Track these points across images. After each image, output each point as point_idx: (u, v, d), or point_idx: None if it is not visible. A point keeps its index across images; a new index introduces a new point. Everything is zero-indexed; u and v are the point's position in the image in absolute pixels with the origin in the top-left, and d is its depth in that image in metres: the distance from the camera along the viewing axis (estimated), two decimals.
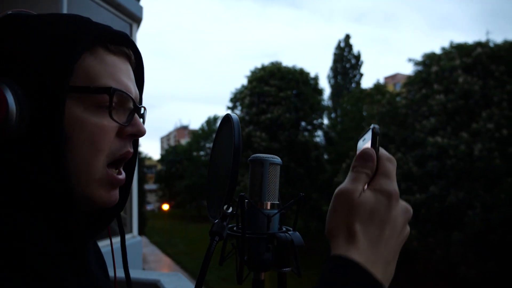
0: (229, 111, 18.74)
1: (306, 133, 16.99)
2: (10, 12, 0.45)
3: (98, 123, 0.44)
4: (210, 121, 28.76)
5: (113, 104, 0.45)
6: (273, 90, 16.29)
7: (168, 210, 25.69)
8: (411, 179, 11.87)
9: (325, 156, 17.80)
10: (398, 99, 14.42)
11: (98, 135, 0.44)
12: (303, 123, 17.33)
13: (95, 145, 0.44)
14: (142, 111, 0.52)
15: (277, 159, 0.57)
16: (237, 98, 17.64)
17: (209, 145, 28.04)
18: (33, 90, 0.41)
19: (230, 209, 0.48)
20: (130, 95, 0.48)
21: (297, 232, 0.55)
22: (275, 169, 0.56)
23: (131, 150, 0.49)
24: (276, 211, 0.56)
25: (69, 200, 0.42)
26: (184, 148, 28.17)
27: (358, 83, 24.50)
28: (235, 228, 0.56)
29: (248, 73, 17.74)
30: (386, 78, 28.73)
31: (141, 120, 0.52)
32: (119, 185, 0.48)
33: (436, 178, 11.39)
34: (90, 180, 0.44)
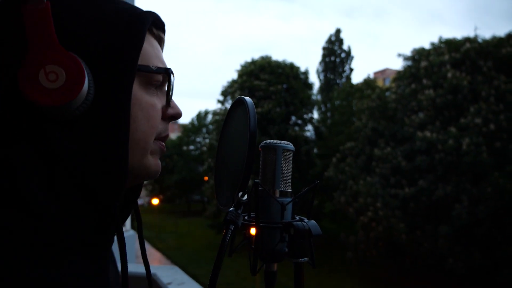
0: (219, 105, 18.95)
1: (296, 128, 17.09)
2: None
3: (151, 101, 0.46)
4: (201, 115, 28.50)
5: (158, 83, 0.47)
6: (263, 84, 16.30)
7: (158, 204, 25.37)
8: (400, 173, 12.05)
9: (315, 151, 17.96)
10: (387, 94, 14.58)
11: (152, 112, 0.45)
12: (293, 118, 17.40)
13: (150, 122, 0.45)
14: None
15: (290, 145, 0.56)
16: (228, 92, 17.63)
17: (199, 139, 27.87)
18: (101, 69, 0.40)
19: (245, 197, 0.46)
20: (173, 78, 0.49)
21: (314, 221, 0.53)
22: (288, 156, 0.55)
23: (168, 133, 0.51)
24: (290, 199, 0.54)
25: (124, 179, 0.40)
26: (174, 143, 27.53)
27: (348, 78, 24.63)
28: (246, 217, 0.54)
29: (239, 67, 17.65)
30: (376, 73, 28.97)
31: None
32: (163, 154, 0.50)
33: (424, 173, 11.57)
34: (146, 153, 0.46)
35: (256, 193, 0.51)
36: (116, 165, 0.40)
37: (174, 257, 15.19)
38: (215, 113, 18.93)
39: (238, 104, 0.53)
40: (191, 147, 28.38)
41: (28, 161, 0.36)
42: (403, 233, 11.58)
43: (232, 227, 0.45)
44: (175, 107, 0.50)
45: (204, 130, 27.93)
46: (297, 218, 0.56)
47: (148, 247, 17.57)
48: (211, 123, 21.32)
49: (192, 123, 28.60)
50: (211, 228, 17.28)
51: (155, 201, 23.80)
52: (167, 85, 0.49)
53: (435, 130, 11.63)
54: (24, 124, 0.37)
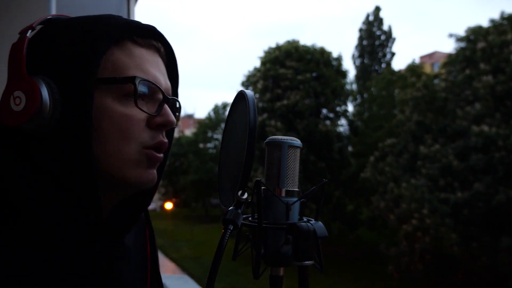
0: None
1: (327, 122, 16.95)
2: (50, 17, 0.54)
3: (125, 112, 0.51)
4: (218, 109, 28.71)
5: (141, 94, 0.52)
6: (290, 72, 16.26)
7: (172, 209, 26.10)
8: (451, 175, 11.66)
9: (350, 148, 17.77)
10: (436, 81, 14.21)
11: (125, 124, 0.51)
12: (324, 111, 17.29)
13: (123, 133, 0.51)
14: (177, 105, 0.60)
15: (296, 141, 0.58)
16: (249, 82, 17.73)
17: (217, 136, 28.05)
18: (65, 84, 0.48)
19: (245, 195, 0.50)
20: (158, 85, 0.54)
21: (320, 222, 0.55)
22: (294, 153, 0.57)
23: (165, 140, 0.56)
24: (295, 199, 0.57)
25: (95, 189, 0.49)
26: (189, 140, 28.11)
27: (389, 64, 24.20)
28: (250, 219, 0.57)
29: (262, 54, 17.70)
30: (422, 58, 28.16)
31: (176, 114, 0.59)
32: (157, 163, 0.55)
33: (481, 174, 11.12)
34: (124, 161, 0.51)
35: (258, 192, 0.53)
36: (80, 175, 0.48)
37: (190, 268, 15.44)
38: None
39: (239, 98, 0.56)
40: (209, 144, 28.60)
41: (14, 167, 0.48)
42: (455, 245, 11.22)
43: (231, 227, 0.49)
44: (165, 115, 0.54)
45: (222, 125, 27.74)
46: (305, 219, 0.57)
47: (161, 257, 18.01)
48: None
49: (209, 117, 28.91)
50: (232, 236, 17.06)
51: (169, 205, 24.25)
52: (161, 93, 0.54)
53: (495, 123, 11.17)
54: (7, 140, 0.50)
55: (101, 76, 0.50)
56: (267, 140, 0.59)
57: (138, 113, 0.52)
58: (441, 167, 11.79)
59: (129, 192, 0.56)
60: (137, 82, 0.51)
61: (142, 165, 0.53)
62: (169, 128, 0.56)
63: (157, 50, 0.57)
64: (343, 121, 17.94)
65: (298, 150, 0.58)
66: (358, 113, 19.47)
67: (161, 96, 0.54)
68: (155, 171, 0.55)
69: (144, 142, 0.52)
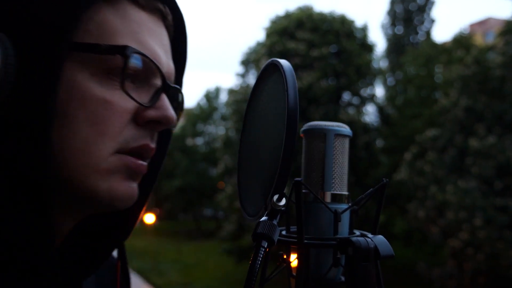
0: (238, 80, 19.04)
1: (350, 109, 16.90)
2: None
3: (104, 96, 0.47)
4: (210, 96, 28.76)
5: (131, 73, 0.48)
6: (302, 47, 16.20)
7: (154, 222, 25.64)
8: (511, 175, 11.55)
9: (379, 143, 17.83)
10: (490, 55, 14.12)
11: (103, 112, 0.46)
12: (346, 95, 17.26)
13: (97, 127, 0.46)
14: (179, 98, 0.56)
15: (345, 128, 0.58)
16: (250, 61, 17.76)
17: (211, 129, 28.04)
18: (26, 46, 0.43)
19: (283, 202, 0.48)
20: (157, 64, 0.50)
21: (382, 236, 0.54)
22: (342, 143, 0.56)
23: (152, 145, 0.52)
24: (346, 205, 0.55)
25: (45, 201, 0.44)
26: (175, 135, 26.96)
27: (428, 34, 24.07)
28: (284, 233, 0.56)
29: (267, 24, 17.58)
30: (472, 25, 28.15)
31: (177, 110, 0.55)
32: (139, 174, 0.51)
33: None
34: (93, 166, 0.47)
35: (298, 196, 0.51)
36: (27, 178, 0.43)
37: None
38: (232, 91, 19.06)
39: (270, 70, 0.54)
40: (199, 140, 28.65)
41: None
42: None
43: (266, 244, 0.46)
44: (162, 108, 0.50)
45: (216, 115, 28.17)
46: (357, 233, 0.57)
47: (141, 283, 18.11)
48: (227, 105, 21.41)
49: (199, 106, 28.90)
50: (229, 255, 17.39)
51: (150, 218, 23.76)
52: (160, 77, 0.50)
53: None
54: None
55: (78, 40, 0.45)
56: (305, 127, 0.58)
57: (123, 100, 0.48)
58: (498, 165, 11.69)
59: (97, 211, 0.51)
60: (128, 53, 0.47)
61: (118, 175, 0.49)
62: (164, 128, 0.52)
63: (163, 18, 0.53)
64: (370, 108, 17.90)
65: (347, 140, 0.57)
66: (389, 97, 19.42)
67: (159, 82, 0.51)
68: (135, 185, 0.51)
69: (124, 143, 0.48)
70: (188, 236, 26.55)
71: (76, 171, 0.46)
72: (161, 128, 0.52)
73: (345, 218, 0.55)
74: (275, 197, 0.47)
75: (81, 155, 0.46)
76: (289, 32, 16.67)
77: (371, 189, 0.57)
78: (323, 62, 16.20)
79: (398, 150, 15.73)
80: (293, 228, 0.56)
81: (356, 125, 15.95)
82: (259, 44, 17.66)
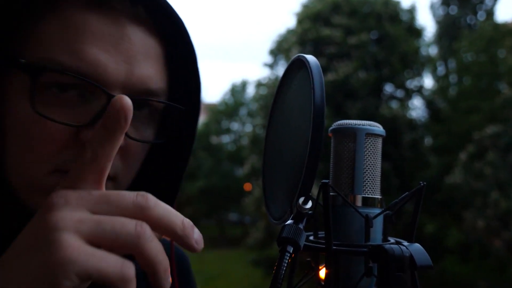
0: (266, 71, 18.52)
1: (393, 103, 16.54)
2: None
3: (34, 116, 0.48)
4: (236, 90, 28.64)
5: (65, 89, 0.49)
6: (338, 34, 15.84)
7: None
8: None
9: (428, 141, 17.45)
10: None
11: (35, 133, 0.48)
12: (388, 87, 16.94)
13: (30, 147, 0.48)
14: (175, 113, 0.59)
15: (377, 127, 0.60)
16: (280, 50, 17.62)
17: (238, 127, 28.20)
18: None
19: (309, 204, 0.51)
20: (94, 74, 0.50)
21: (418, 244, 0.55)
22: (374, 143, 0.59)
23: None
24: (378, 210, 0.58)
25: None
26: (197, 132, 27.97)
27: (490, 14, 22.58)
28: (312, 238, 0.60)
29: (298, 9, 17.46)
30: None
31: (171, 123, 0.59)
32: None
33: None
34: (30, 188, 0.50)
35: (325, 199, 0.54)
36: None
37: None
38: (259, 84, 19.03)
39: (296, 67, 0.57)
40: (225, 138, 28.76)
41: None
42: None
43: (291, 249, 0.48)
44: (103, 127, 0.51)
45: (242, 111, 28.26)
46: (392, 240, 0.59)
47: None
48: (255, 100, 21.36)
49: (224, 101, 28.92)
50: (256, 266, 17.04)
51: None
52: (90, 86, 0.51)
53: None
54: None
55: (15, 55, 0.49)
56: (333, 126, 0.61)
57: (56, 119, 0.49)
58: None
59: None
60: (35, 70, 0.48)
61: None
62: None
63: (129, 16, 0.52)
64: (417, 102, 17.58)
65: (380, 140, 0.61)
66: (440, 89, 18.82)
67: (104, 96, 0.51)
68: None
69: (62, 164, 0.49)
70: (211, 243, 25.95)
71: (18, 189, 0.50)
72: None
73: (378, 224, 0.57)
74: (301, 199, 0.50)
75: (16, 175, 0.49)
76: (323, 17, 16.39)
77: (407, 192, 0.59)
78: (362, 50, 15.87)
79: (451, 150, 15.18)
80: (321, 234, 0.58)
81: (401, 121, 15.66)
82: (289, 32, 17.49)
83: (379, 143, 0.59)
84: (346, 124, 0.59)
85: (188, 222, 0.44)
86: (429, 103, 17.45)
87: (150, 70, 0.53)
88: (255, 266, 17.22)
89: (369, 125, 0.59)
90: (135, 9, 0.52)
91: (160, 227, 0.42)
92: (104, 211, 0.39)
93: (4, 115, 0.48)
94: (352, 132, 0.58)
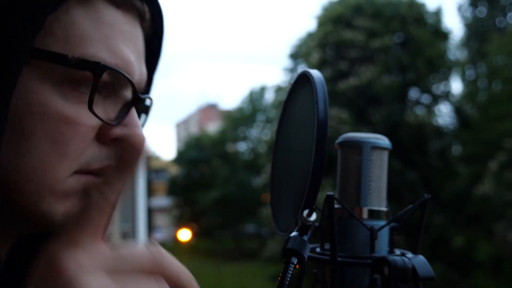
0: (286, 74, 18.55)
1: (419, 110, 16.49)
2: None
3: (69, 113, 0.47)
4: (254, 96, 28.73)
5: (99, 87, 0.48)
6: (361, 37, 15.86)
7: (189, 240, 25.88)
8: None
9: (456, 150, 17.29)
10: None
11: (65, 132, 0.47)
12: (413, 92, 16.89)
13: (57, 146, 0.47)
14: (146, 103, 0.58)
15: (383, 140, 0.63)
16: (300, 54, 17.88)
17: (255, 134, 28.31)
18: None
19: (313, 216, 0.53)
20: (129, 75, 0.50)
21: (422, 256, 0.58)
22: (380, 156, 0.62)
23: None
24: (383, 222, 0.60)
25: None
26: (212, 140, 28.36)
27: None
28: (318, 250, 0.63)
29: (318, 11, 17.72)
30: None
31: (143, 118, 0.58)
32: None
33: None
34: (47, 191, 0.48)
35: (330, 211, 0.57)
36: None
37: None
38: (279, 88, 19.20)
39: (302, 82, 0.60)
40: (241, 145, 28.88)
41: None
42: None
43: (295, 261, 0.51)
44: (131, 125, 0.51)
45: (260, 118, 28.36)
46: (397, 252, 0.62)
47: None
48: (273, 106, 21.53)
49: (240, 108, 29.14)
50: (273, 280, 17.01)
51: (185, 235, 24.48)
52: (131, 90, 0.51)
53: None
54: None
55: (41, 45, 0.46)
56: (340, 139, 0.64)
57: (88, 118, 0.48)
58: None
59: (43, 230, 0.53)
60: (101, 71, 0.47)
61: (75, 197, 0.49)
62: (130, 147, 0.51)
63: (140, 16, 0.54)
64: (444, 108, 17.42)
65: (386, 153, 0.63)
66: (468, 94, 18.65)
67: (129, 94, 0.52)
68: None
69: (84, 164, 0.49)
70: (228, 257, 26.42)
71: (29, 192, 0.48)
72: (128, 147, 0.52)
73: (383, 236, 0.60)
74: (305, 212, 0.52)
75: (36, 176, 0.47)
76: (345, 20, 16.42)
77: (411, 205, 0.60)
78: (386, 54, 15.92)
79: (481, 158, 14.92)
80: (328, 246, 0.61)
81: (427, 128, 15.66)
82: (309, 35, 17.65)
83: (385, 156, 0.62)
84: (352, 137, 0.62)
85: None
86: (457, 109, 17.37)
87: (145, 69, 0.55)
88: (271, 281, 17.31)
89: (374, 138, 0.61)
90: (144, 10, 0.54)
91: (175, 285, 0.43)
92: (123, 273, 0.40)
93: (26, 112, 0.46)
94: (358, 145, 0.61)
